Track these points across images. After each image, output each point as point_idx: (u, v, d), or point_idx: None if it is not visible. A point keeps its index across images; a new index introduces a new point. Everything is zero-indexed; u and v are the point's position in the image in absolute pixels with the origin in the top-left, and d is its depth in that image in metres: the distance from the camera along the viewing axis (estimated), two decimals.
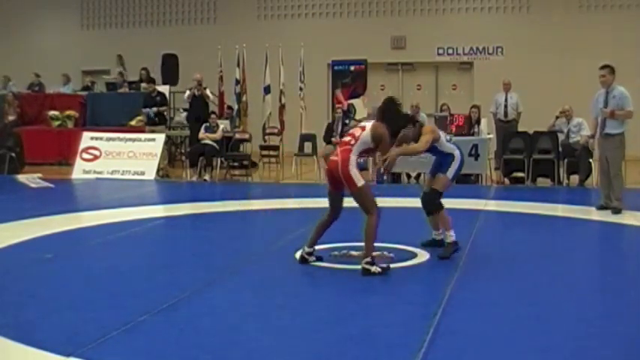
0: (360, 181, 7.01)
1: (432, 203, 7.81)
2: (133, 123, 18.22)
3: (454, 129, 15.12)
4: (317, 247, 7.50)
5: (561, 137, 14.91)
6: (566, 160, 14.75)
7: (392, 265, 7.14)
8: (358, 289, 6.52)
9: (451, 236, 7.70)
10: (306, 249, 7.44)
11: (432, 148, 7.85)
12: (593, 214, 11.00)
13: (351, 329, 5.30)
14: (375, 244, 7.32)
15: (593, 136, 12.14)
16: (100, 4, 24.96)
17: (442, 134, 8.04)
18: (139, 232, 9.68)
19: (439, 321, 5.39)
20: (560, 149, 14.81)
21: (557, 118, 15.11)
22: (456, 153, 7.91)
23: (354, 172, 7.00)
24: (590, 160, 14.47)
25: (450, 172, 7.80)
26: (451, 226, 7.74)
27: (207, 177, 15.91)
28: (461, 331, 5.24)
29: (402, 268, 7.25)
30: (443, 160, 7.85)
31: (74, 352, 4.70)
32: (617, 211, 10.71)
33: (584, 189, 14.22)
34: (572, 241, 9.39)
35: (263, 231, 10.26)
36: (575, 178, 14.78)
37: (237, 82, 19.13)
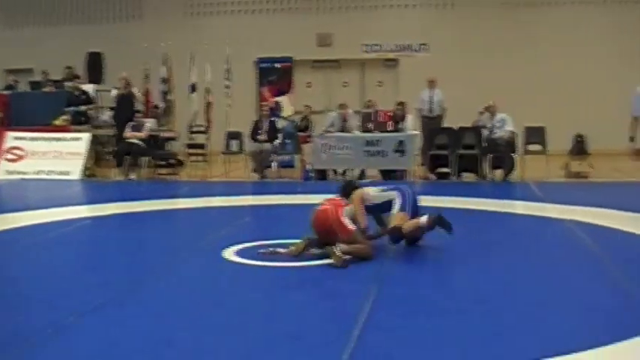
0: (351, 225, 7.36)
1: (399, 240, 7.73)
2: (57, 122, 17.96)
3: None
4: (243, 246, 7.55)
5: (485, 132, 15.15)
6: (490, 155, 15.01)
7: (318, 262, 7.24)
8: (287, 287, 6.58)
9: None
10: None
11: (369, 209, 7.86)
12: (520, 208, 11.29)
13: (282, 326, 5.34)
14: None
15: (632, 139, 11.23)
16: (22, 3, 24.49)
17: (372, 190, 8.04)
18: (68, 232, 9.58)
19: (368, 317, 5.46)
20: (484, 144, 15.07)
21: (481, 113, 15.37)
22: (394, 194, 7.87)
23: (346, 219, 7.36)
24: (513, 155, 14.80)
25: (395, 208, 7.74)
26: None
27: (133, 176, 15.80)
28: (389, 327, 5.31)
29: (330, 264, 7.32)
30: (384, 208, 7.84)
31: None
32: None
33: (508, 183, 14.53)
34: (499, 234, 9.56)
35: (191, 229, 10.22)
36: (498, 173, 15.06)
37: (164, 80, 19.04)
